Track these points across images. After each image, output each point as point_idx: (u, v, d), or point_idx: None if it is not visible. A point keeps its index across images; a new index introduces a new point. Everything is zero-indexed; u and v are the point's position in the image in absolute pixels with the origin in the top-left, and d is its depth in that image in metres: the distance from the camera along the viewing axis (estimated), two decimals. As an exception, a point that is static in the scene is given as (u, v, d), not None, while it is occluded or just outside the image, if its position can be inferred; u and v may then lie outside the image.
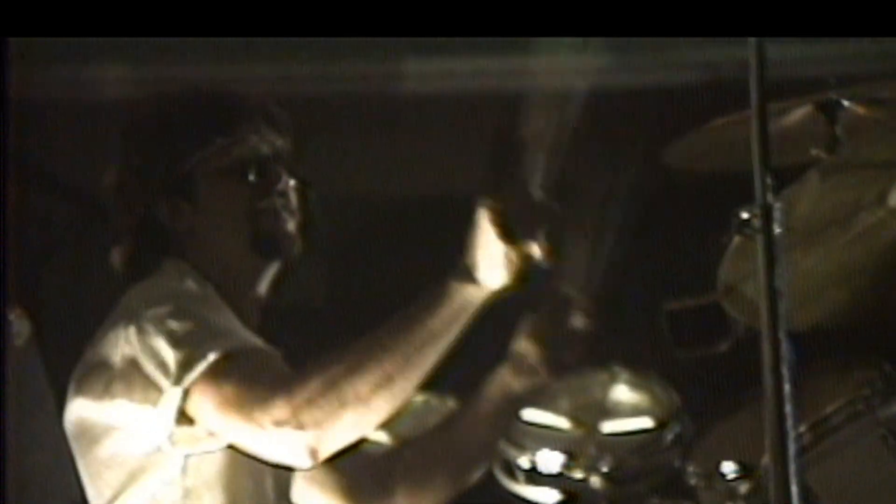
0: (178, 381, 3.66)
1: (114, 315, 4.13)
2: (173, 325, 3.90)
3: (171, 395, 3.63)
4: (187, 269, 3.93)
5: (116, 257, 3.95)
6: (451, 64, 5.81)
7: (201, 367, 3.69)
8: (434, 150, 7.01)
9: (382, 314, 4.23)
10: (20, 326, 4.52)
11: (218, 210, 3.98)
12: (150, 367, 3.91)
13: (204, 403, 3.69)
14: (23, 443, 4.25)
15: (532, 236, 3.64)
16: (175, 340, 3.80)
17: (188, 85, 4.70)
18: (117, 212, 4.04)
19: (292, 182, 3.97)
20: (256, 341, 3.81)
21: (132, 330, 3.93)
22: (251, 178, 3.95)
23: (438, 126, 7.09)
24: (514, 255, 3.49)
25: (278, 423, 3.86)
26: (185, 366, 3.65)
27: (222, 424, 3.67)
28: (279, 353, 3.83)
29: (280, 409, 3.85)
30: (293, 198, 3.97)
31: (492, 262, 3.50)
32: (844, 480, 4.04)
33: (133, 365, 3.97)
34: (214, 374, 3.66)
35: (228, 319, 3.88)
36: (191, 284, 3.98)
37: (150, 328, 4.03)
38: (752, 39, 3.56)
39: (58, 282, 4.77)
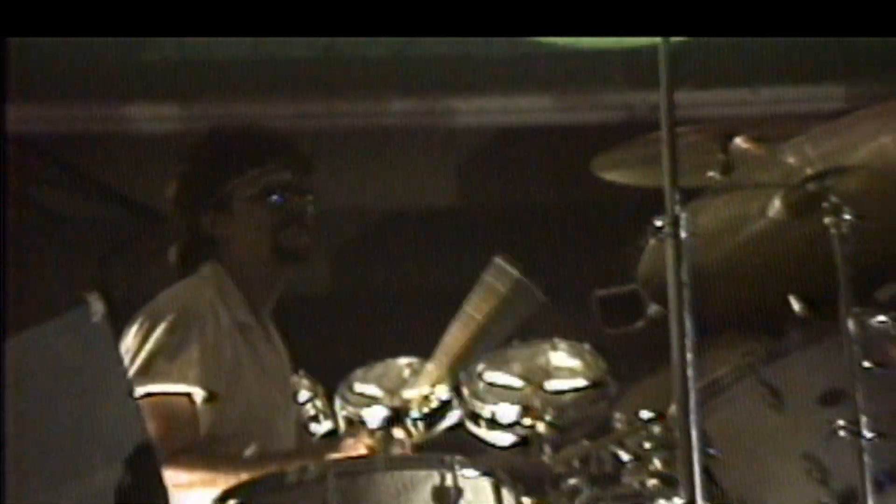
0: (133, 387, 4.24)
1: (143, 308, 4.47)
2: (155, 336, 4.34)
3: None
4: (219, 271, 4.50)
5: (172, 255, 4.61)
6: (428, 104, 5.99)
7: (141, 390, 4.22)
8: (412, 172, 7.30)
9: (373, 303, 4.55)
10: (96, 306, 4.79)
11: (248, 224, 4.53)
12: (129, 364, 4.36)
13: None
14: (96, 408, 4.49)
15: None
16: (136, 356, 4.32)
17: (225, 120, 5.10)
18: (173, 218, 4.65)
19: (308, 205, 4.54)
20: (191, 387, 4.26)
21: (133, 328, 4.39)
22: (275, 199, 4.49)
23: (415, 152, 7.38)
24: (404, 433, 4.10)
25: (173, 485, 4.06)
26: (130, 384, 4.15)
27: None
28: (201, 404, 4.26)
29: (175, 476, 4.08)
30: (307, 216, 4.55)
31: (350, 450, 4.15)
32: (732, 427, 4.04)
33: (126, 353, 4.38)
34: (143, 404, 4.15)
35: (219, 345, 4.37)
36: (213, 290, 4.48)
37: (135, 331, 4.38)
38: (663, 85, 3.66)
39: (122, 273, 4.95)
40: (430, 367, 4.34)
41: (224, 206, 4.56)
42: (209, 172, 4.63)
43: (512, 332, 4.47)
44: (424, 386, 4.31)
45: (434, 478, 3.65)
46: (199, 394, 4.35)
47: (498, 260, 4.75)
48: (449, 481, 3.63)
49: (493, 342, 4.45)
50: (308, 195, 4.61)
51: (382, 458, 4.04)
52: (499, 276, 4.44)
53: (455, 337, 4.41)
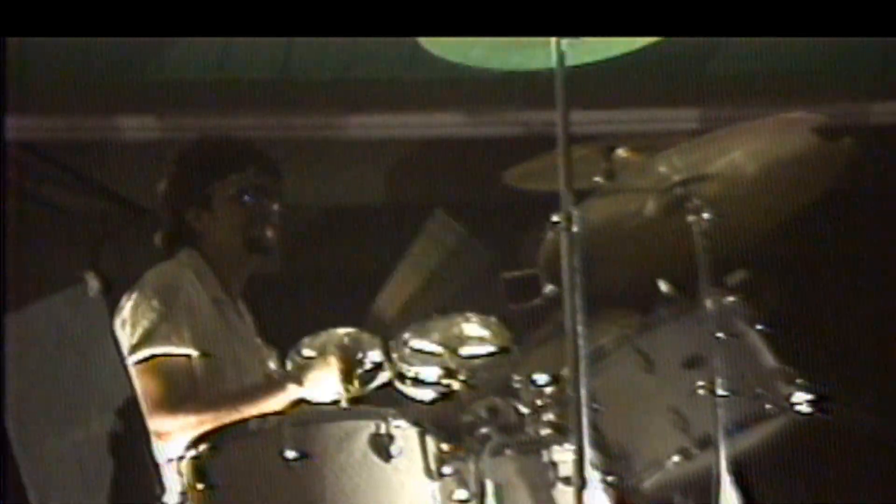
0: (128, 356, 4.59)
1: (133, 286, 4.72)
2: (145, 309, 4.64)
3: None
4: (196, 256, 4.80)
5: (157, 240, 4.88)
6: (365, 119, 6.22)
7: (135, 357, 4.55)
8: (351, 176, 7.03)
9: (317, 284, 4.82)
10: (92, 283, 5.07)
11: (224, 220, 4.84)
12: (120, 334, 4.64)
13: (137, 379, 4.59)
14: (92, 367, 4.84)
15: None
16: (136, 325, 4.60)
17: (195, 131, 5.42)
18: (161, 210, 4.92)
19: (275, 205, 4.84)
20: (188, 349, 4.57)
21: (129, 303, 4.66)
22: (248, 200, 4.80)
23: (354, 160, 7.03)
24: (344, 389, 4.20)
25: (158, 434, 4.50)
26: (131, 351, 4.57)
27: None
28: (199, 363, 4.56)
29: (165, 425, 4.46)
30: (274, 215, 4.85)
31: (322, 385, 4.25)
32: (613, 386, 4.29)
33: (118, 325, 4.68)
34: (142, 365, 4.54)
35: (198, 316, 4.67)
36: (194, 273, 4.78)
37: (132, 304, 4.66)
38: (559, 104, 3.93)
39: (113, 257, 5.15)
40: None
41: (205, 203, 4.86)
42: (195, 175, 4.90)
43: (457, 281, 4.58)
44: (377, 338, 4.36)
45: (371, 427, 3.87)
46: (194, 354, 4.62)
47: (440, 212, 4.88)
48: (383, 430, 3.84)
49: (437, 287, 4.61)
50: (276, 197, 4.89)
51: (328, 411, 4.19)
52: (443, 228, 4.63)
53: (403, 277, 4.60)
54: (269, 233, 4.91)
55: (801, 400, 4.35)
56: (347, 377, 4.31)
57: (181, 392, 4.62)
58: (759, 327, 4.50)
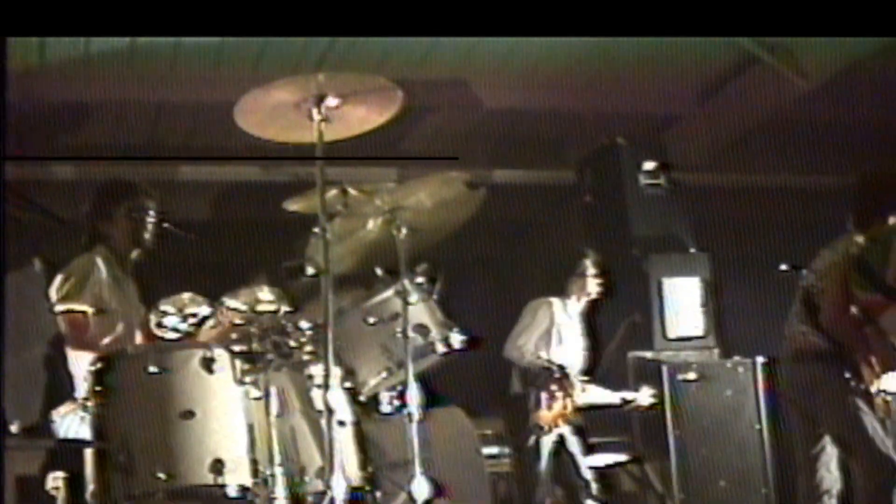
0: (54, 308, 4.84)
1: (63, 268, 4.93)
2: (68, 279, 4.90)
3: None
4: (103, 250, 5.04)
5: (83, 238, 5.09)
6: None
7: (57, 309, 4.83)
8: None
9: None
10: (38, 265, 5.30)
11: (121, 228, 5.12)
12: (52, 295, 4.87)
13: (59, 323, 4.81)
14: (36, 314, 4.86)
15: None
16: (59, 290, 4.86)
17: (111, 177, 5.46)
18: (84, 222, 5.13)
19: (150, 218, 5.09)
20: (87, 307, 4.75)
21: (59, 277, 4.91)
22: (135, 216, 5.11)
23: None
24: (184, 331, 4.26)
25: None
26: (55, 305, 4.85)
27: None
28: (95, 316, 4.78)
29: (73, 351, 4.73)
30: (150, 225, 5.12)
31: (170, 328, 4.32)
32: (350, 331, 4.59)
33: (52, 290, 4.89)
34: (61, 315, 4.82)
35: (101, 286, 4.85)
36: (101, 259, 4.96)
37: (61, 278, 4.91)
38: (318, 164, 4.13)
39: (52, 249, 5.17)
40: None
41: (110, 218, 5.14)
42: (105, 201, 5.17)
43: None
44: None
45: (201, 353, 4.19)
46: (91, 310, 4.87)
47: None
48: (209, 355, 4.17)
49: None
50: (151, 213, 5.11)
51: (175, 343, 4.35)
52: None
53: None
54: (147, 236, 5.13)
55: (457, 340, 4.75)
56: (182, 323, 4.41)
57: (81, 332, 4.85)
58: (434, 296, 4.81)
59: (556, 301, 6.70)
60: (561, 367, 6.33)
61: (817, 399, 5.09)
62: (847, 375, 4.90)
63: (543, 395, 6.28)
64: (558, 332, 6.66)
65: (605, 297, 6.76)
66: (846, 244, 5.06)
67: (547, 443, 6.28)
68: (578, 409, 6.36)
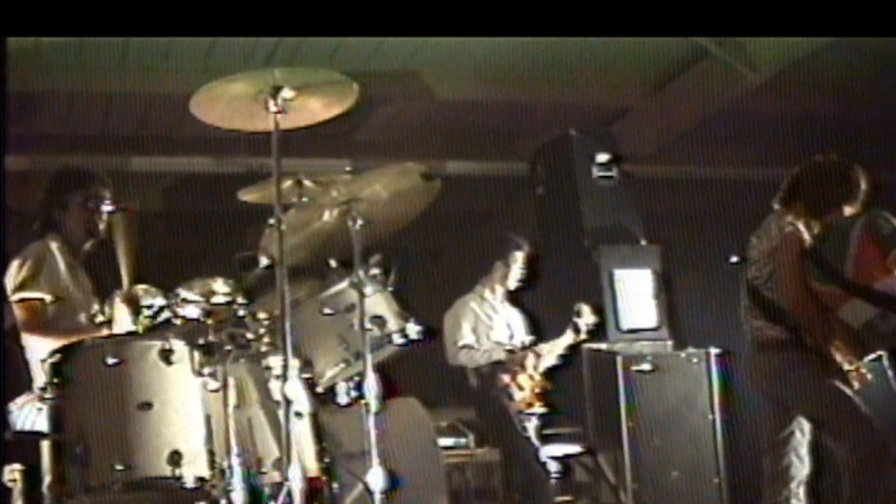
0: (10, 297, 4.82)
1: (18, 254, 4.92)
2: (24, 267, 4.90)
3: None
4: (55, 237, 5.07)
5: (36, 226, 5.13)
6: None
7: (12, 298, 4.82)
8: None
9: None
10: None
11: (75, 216, 5.14)
12: (6, 283, 4.86)
13: (14, 311, 4.79)
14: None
15: None
16: (14, 279, 4.86)
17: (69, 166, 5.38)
18: (38, 210, 5.15)
19: (105, 207, 5.08)
20: (44, 295, 4.76)
21: (14, 264, 4.90)
22: (91, 205, 5.12)
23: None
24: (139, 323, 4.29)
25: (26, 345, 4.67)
26: (10, 294, 4.84)
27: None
28: (51, 305, 4.77)
29: (30, 340, 4.70)
30: (102, 213, 5.12)
31: (124, 320, 4.46)
32: (305, 321, 4.57)
33: (7, 278, 4.88)
34: (16, 304, 4.81)
35: (57, 274, 4.87)
36: (55, 248, 5.00)
37: (16, 266, 4.90)
38: (274, 154, 4.18)
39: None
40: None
41: (64, 206, 5.16)
42: (59, 190, 5.17)
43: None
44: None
45: (159, 345, 4.22)
46: (48, 298, 4.91)
47: None
48: (167, 346, 4.21)
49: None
50: (106, 202, 5.10)
51: (132, 335, 4.43)
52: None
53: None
54: (101, 224, 5.14)
55: (412, 331, 4.75)
56: (137, 314, 4.50)
57: (37, 321, 4.86)
58: (390, 287, 4.81)
59: (469, 297, 6.81)
60: (510, 350, 6.51)
61: (788, 384, 5.12)
62: (817, 360, 4.96)
63: (506, 380, 6.40)
64: (486, 323, 6.75)
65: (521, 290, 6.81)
66: (778, 226, 5.11)
67: (532, 427, 6.38)
68: (546, 376, 6.47)
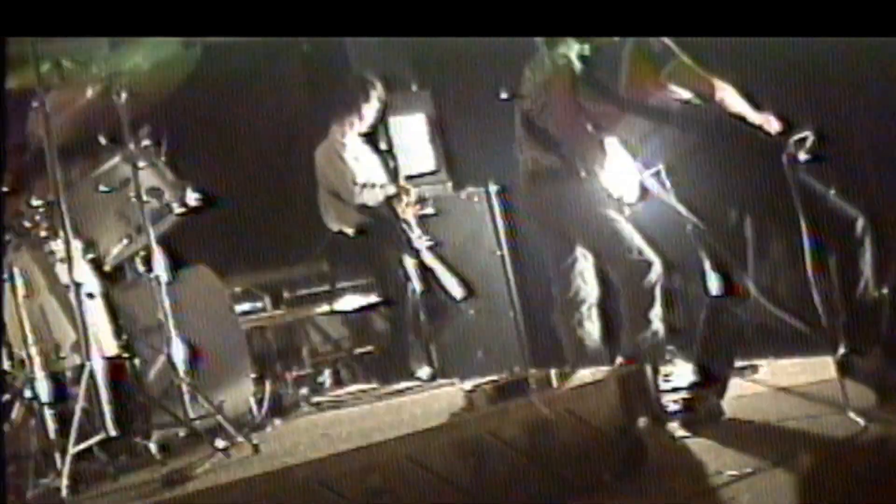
0: None
1: None
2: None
3: None
4: None
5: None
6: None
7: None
8: None
9: None
10: None
11: None
12: None
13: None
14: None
15: None
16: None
17: None
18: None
19: None
20: None
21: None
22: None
23: None
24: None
25: None
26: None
27: None
28: None
29: None
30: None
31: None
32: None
33: None
34: None
35: None
36: None
37: None
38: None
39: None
40: None
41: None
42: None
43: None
44: None
45: None
46: None
47: None
48: None
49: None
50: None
51: None
52: None
53: None
54: None
55: (192, 198, 4.80)
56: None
57: None
58: (162, 158, 4.83)
59: (335, 140, 6.74)
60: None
61: (565, 214, 5.28)
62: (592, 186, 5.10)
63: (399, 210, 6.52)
64: (355, 158, 6.71)
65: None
66: (551, 57, 5.23)
67: (412, 266, 6.48)
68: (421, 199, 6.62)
